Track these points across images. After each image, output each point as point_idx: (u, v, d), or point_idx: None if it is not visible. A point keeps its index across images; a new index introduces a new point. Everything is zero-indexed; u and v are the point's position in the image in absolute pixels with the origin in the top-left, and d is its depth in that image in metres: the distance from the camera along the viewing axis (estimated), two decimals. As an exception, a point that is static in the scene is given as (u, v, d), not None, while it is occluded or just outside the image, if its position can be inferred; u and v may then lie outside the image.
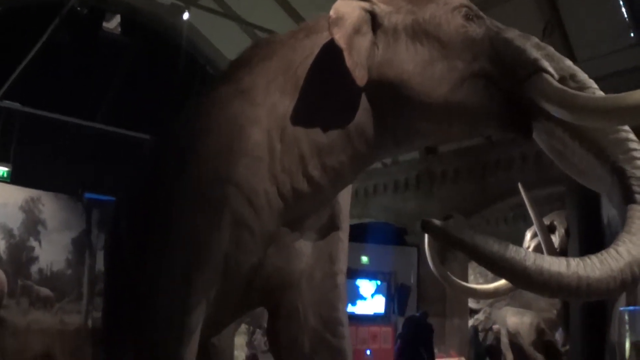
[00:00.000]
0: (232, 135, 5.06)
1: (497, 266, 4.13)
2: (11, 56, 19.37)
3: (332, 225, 5.62)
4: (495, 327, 26.31)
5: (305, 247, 5.47)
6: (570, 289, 4.00)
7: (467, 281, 13.78)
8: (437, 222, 4.23)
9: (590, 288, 3.96)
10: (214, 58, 23.68)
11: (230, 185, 4.97)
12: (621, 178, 4.20)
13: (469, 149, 21.28)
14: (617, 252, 3.98)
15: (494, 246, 4.10)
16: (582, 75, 4.53)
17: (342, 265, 5.66)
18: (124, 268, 6.70)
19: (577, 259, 4.04)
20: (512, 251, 4.10)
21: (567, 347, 17.76)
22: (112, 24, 21.30)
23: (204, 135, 5.27)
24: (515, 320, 27.04)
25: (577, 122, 4.32)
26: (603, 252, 4.01)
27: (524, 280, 4.13)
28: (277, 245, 5.28)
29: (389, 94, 4.87)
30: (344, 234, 5.72)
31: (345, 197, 5.75)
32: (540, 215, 10.63)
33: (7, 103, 19.05)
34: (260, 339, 15.98)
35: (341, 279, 5.63)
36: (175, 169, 5.45)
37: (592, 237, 9.32)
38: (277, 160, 5.02)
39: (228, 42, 22.04)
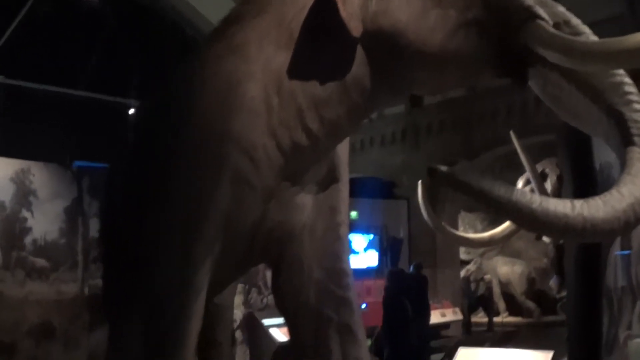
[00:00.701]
0: (228, 92, 5.05)
1: (503, 209, 4.17)
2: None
3: (332, 178, 5.64)
4: (487, 277, 26.53)
5: (306, 201, 5.49)
6: (575, 230, 4.03)
7: (456, 234, 13.90)
8: (443, 167, 4.24)
9: (595, 229, 4.00)
10: (194, 21, 23.45)
11: (228, 141, 4.97)
12: (619, 121, 4.22)
13: (454, 101, 21.29)
14: (620, 193, 4.01)
15: (500, 190, 4.13)
16: (576, 21, 4.54)
17: (344, 216, 5.68)
18: (122, 232, 6.69)
19: (581, 201, 4.07)
20: (518, 194, 4.14)
21: (562, 294, 17.90)
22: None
23: (199, 93, 5.26)
24: (506, 270, 27.29)
25: (574, 67, 4.33)
26: (606, 193, 4.05)
27: (531, 222, 4.17)
28: (278, 200, 5.30)
29: (384, 45, 4.87)
30: (344, 186, 5.74)
31: (343, 149, 5.76)
32: (533, 162, 10.64)
33: (-11, 76, 18.90)
34: (256, 297, 16.05)
35: (343, 230, 5.66)
36: (171, 127, 5.45)
37: (585, 183, 9.33)
38: (275, 114, 5.01)
39: (209, 4, 21.84)
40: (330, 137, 5.15)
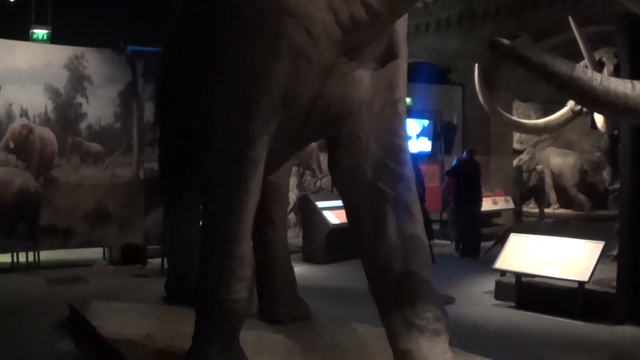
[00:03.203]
0: None
1: (564, 84, 4.12)
2: None
3: (390, 53, 5.55)
4: (539, 167, 26.37)
5: (364, 76, 5.42)
6: (635, 109, 4.00)
7: (510, 123, 13.79)
8: (505, 41, 4.18)
9: None
10: None
11: (286, 15, 4.91)
12: None
13: (510, -13, 20.94)
14: None
15: (562, 66, 4.09)
16: None
17: (402, 92, 5.62)
18: (181, 109, 6.74)
19: None
20: (579, 71, 4.10)
21: (615, 186, 17.74)
22: None
23: None
24: (558, 161, 27.12)
25: None
26: None
27: (591, 99, 4.13)
28: (336, 75, 5.24)
29: None
30: (402, 61, 5.65)
31: (402, 26, 5.66)
32: (590, 49, 10.45)
33: (42, -34, 18.87)
34: (309, 180, 16.16)
35: (402, 106, 5.60)
36: (226, 1, 5.39)
37: (642, 72, 9.14)
38: None
39: None
40: (390, 12, 5.04)
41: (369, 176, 5.44)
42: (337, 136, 5.60)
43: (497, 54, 4.17)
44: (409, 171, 5.52)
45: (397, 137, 5.51)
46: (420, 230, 5.40)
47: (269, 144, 5.25)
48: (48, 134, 13.22)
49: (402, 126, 5.60)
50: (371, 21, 4.97)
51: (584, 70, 4.15)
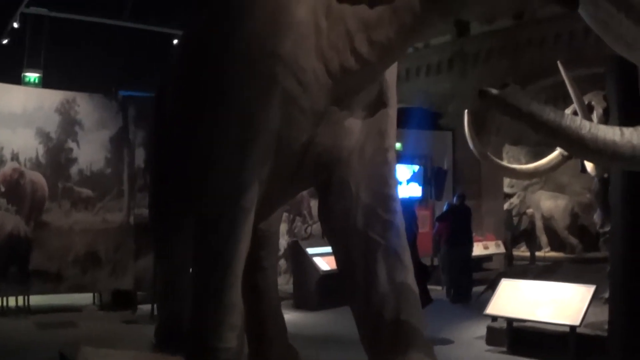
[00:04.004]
0: (277, 14, 5.05)
1: (553, 133, 4.14)
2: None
3: (380, 102, 5.62)
4: (529, 210, 26.37)
5: (354, 125, 5.48)
6: (624, 157, 4.02)
7: (500, 167, 13.84)
8: (494, 90, 4.21)
9: None
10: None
11: (278, 63, 4.98)
12: None
13: (501, 30, 20.97)
14: None
15: (550, 114, 4.11)
16: None
17: (392, 140, 5.68)
18: (173, 154, 6.75)
19: (630, 129, 4.05)
20: (568, 119, 4.11)
21: (605, 228, 17.81)
22: None
23: (248, 14, 5.25)
24: (549, 204, 27.11)
25: None
26: None
27: (579, 147, 4.15)
28: (327, 124, 5.30)
29: None
30: (392, 110, 5.72)
31: (392, 75, 5.73)
32: (580, 93, 10.51)
33: (34, 9, 18.95)
34: (300, 226, 16.15)
35: (391, 154, 5.66)
36: (220, 48, 5.45)
37: (632, 116, 9.18)
38: (324, 37, 5.00)
39: None
40: (379, 61, 5.12)
41: (359, 224, 5.47)
42: (328, 184, 5.64)
43: (486, 103, 4.19)
44: (398, 219, 5.56)
45: (387, 186, 5.56)
46: (410, 278, 5.42)
47: (261, 191, 5.27)
48: (39, 178, 13.22)
49: (392, 174, 5.65)
50: (361, 70, 5.03)
51: (572, 119, 4.17)
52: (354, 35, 4.97)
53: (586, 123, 4.15)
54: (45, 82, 19.34)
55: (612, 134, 4.05)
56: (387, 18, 4.93)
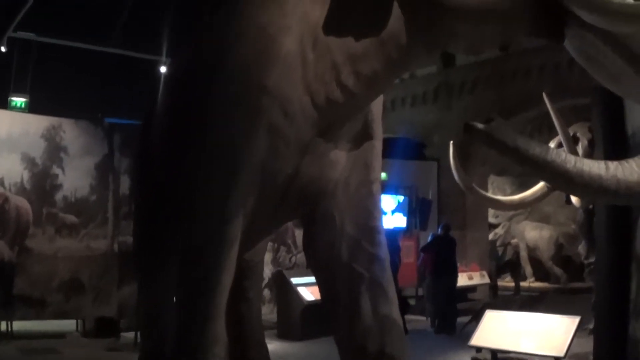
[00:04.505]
0: (264, 45, 5.05)
1: (538, 168, 4.17)
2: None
3: (366, 134, 5.65)
4: (514, 241, 26.40)
5: (340, 157, 5.49)
6: (609, 191, 4.05)
7: (485, 196, 13.86)
8: (479, 125, 4.23)
9: (629, 190, 4.01)
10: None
11: (263, 94, 4.98)
12: None
13: (486, 61, 21.09)
14: None
15: (535, 149, 4.13)
16: None
17: (377, 173, 5.70)
18: (157, 185, 6.74)
19: (615, 163, 4.08)
20: (553, 154, 4.14)
21: (590, 259, 17.86)
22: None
23: (235, 45, 5.26)
24: (534, 234, 27.14)
25: (610, 28, 4.31)
26: None
27: (565, 182, 4.18)
28: (312, 155, 5.31)
29: (422, 0, 4.83)
30: (378, 142, 5.75)
31: (377, 107, 5.75)
32: (565, 125, 10.57)
33: (21, 34, 18.95)
34: (284, 255, 16.14)
35: (376, 187, 5.67)
36: (206, 79, 5.45)
37: (617, 147, 9.24)
38: (310, 69, 5.00)
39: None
40: (365, 93, 5.15)
41: (344, 256, 5.47)
42: (312, 215, 5.64)
43: (472, 138, 4.21)
44: (383, 252, 5.57)
45: (372, 218, 5.57)
46: (395, 311, 5.42)
47: (245, 222, 5.26)
48: (23, 203, 13.17)
49: (377, 207, 5.66)
50: (347, 102, 5.05)
51: (557, 153, 4.19)
52: (340, 68, 4.99)
53: (571, 157, 4.17)
54: (32, 107, 19.30)
55: (597, 168, 4.08)
56: (373, 50, 4.96)
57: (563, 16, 4.51)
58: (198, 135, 5.45)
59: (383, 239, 5.63)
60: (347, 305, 5.45)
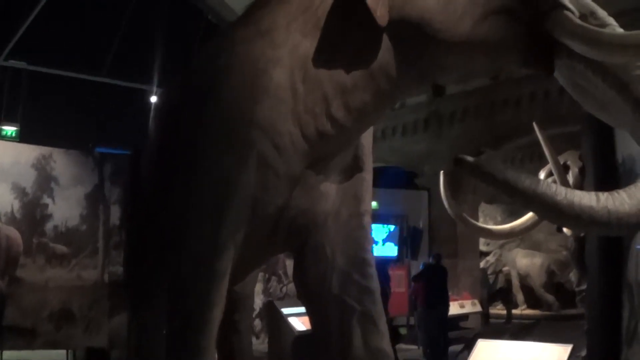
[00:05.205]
0: (254, 78, 5.05)
1: (529, 200, 4.17)
2: (13, 16, 19.26)
3: (356, 166, 5.65)
4: (505, 269, 26.42)
5: (330, 189, 5.49)
6: (600, 222, 4.04)
7: (476, 224, 13.85)
8: (469, 158, 4.24)
9: (620, 222, 4.01)
10: (216, 7, 23.36)
11: (254, 127, 4.98)
12: None
13: (477, 90, 21.18)
14: None
15: (525, 181, 4.14)
16: (602, 13, 4.56)
17: (368, 205, 5.70)
18: (148, 217, 6.72)
19: (606, 194, 4.08)
20: (543, 186, 4.14)
21: (582, 287, 17.87)
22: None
23: (226, 77, 5.26)
24: (525, 262, 27.16)
25: (599, 59, 4.34)
26: (631, 186, 4.07)
27: (556, 214, 4.18)
28: (303, 188, 5.31)
29: (411, 32, 4.86)
30: (368, 174, 5.75)
31: (367, 138, 5.76)
32: (555, 153, 10.59)
33: (12, 63, 18.99)
34: (275, 286, 16.10)
35: (367, 219, 5.67)
36: (197, 112, 5.44)
37: (607, 176, 9.29)
38: (301, 101, 5.01)
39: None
40: (356, 125, 5.16)
41: (334, 289, 5.46)
42: (303, 248, 5.63)
43: (462, 171, 4.21)
44: (374, 284, 5.56)
45: (362, 250, 5.57)
46: (386, 344, 5.41)
47: (236, 255, 5.24)
48: (14, 233, 13.08)
49: (368, 239, 5.66)
50: (337, 134, 5.05)
51: (548, 185, 4.19)
52: (330, 100, 4.99)
53: (562, 189, 4.17)
54: (23, 136, 19.33)
55: (588, 199, 4.08)
56: (363, 83, 4.97)
57: (553, 47, 4.54)
58: (188, 167, 5.44)
59: (374, 272, 5.63)
60: (338, 338, 5.43)
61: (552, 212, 4.17)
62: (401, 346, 14.41)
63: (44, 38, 19.71)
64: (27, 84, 19.67)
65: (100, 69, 20.24)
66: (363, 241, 5.62)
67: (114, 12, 20.98)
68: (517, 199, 4.23)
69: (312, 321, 5.75)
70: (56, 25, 19.87)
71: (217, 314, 5.23)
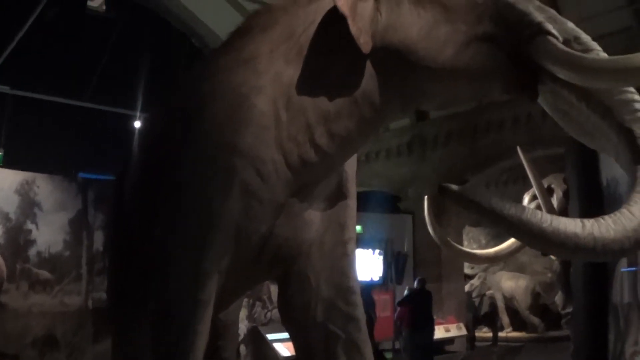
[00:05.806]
0: (237, 105, 5.02)
1: (514, 228, 4.16)
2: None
3: (340, 193, 5.63)
4: (490, 292, 26.48)
5: (314, 217, 5.47)
6: (586, 249, 4.03)
7: (461, 247, 13.86)
8: (454, 186, 4.24)
9: (606, 248, 3.99)
10: (200, 32, 23.46)
11: (237, 155, 4.95)
12: (629, 139, 4.22)
13: (460, 113, 21.27)
14: (630, 212, 4.02)
15: (510, 209, 4.13)
16: (586, 37, 4.54)
17: (352, 232, 5.67)
18: (130, 245, 6.67)
19: (591, 220, 4.07)
20: (528, 214, 4.13)
21: (568, 310, 17.96)
22: (96, 2, 21.07)
23: (208, 105, 5.23)
24: (510, 284, 27.24)
25: (583, 84, 4.34)
26: (616, 212, 4.05)
27: (541, 241, 4.16)
28: (287, 216, 5.27)
29: (394, 60, 4.85)
30: (352, 201, 5.73)
31: (351, 165, 5.75)
32: (539, 177, 10.62)
33: (-4, 87, 18.97)
34: (260, 311, 16.08)
35: (351, 246, 5.64)
36: (180, 139, 5.42)
37: (592, 199, 9.34)
38: (284, 129, 4.99)
39: (214, 15, 21.86)
40: (339, 152, 5.14)
41: (319, 317, 5.43)
42: (287, 276, 5.60)
43: (446, 199, 4.21)
44: (359, 312, 5.53)
45: (347, 278, 5.54)
46: None
47: (219, 283, 5.21)
48: (-3, 259, 13.06)
49: (352, 267, 5.63)
50: (321, 162, 5.03)
51: (533, 213, 4.18)
52: (314, 128, 4.97)
53: (547, 217, 4.16)
54: (6, 161, 19.26)
55: (573, 226, 4.07)
56: (346, 110, 4.95)
57: (536, 73, 4.53)
58: (171, 194, 5.41)
59: (359, 299, 5.60)
60: None
61: (538, 240, 4.16)
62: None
63: (28, 62, 19.69)
64: (11, 108, 19.61)
65: (83, 94, 20.21)
66: (347, 269, 5.60)
67: (98, 36, 21.00)
68: (502, 227, 4.22)
69: (297, 348, 5.72)
70: (40, 49, 19.88)
71: (202, 342, 5.19)
